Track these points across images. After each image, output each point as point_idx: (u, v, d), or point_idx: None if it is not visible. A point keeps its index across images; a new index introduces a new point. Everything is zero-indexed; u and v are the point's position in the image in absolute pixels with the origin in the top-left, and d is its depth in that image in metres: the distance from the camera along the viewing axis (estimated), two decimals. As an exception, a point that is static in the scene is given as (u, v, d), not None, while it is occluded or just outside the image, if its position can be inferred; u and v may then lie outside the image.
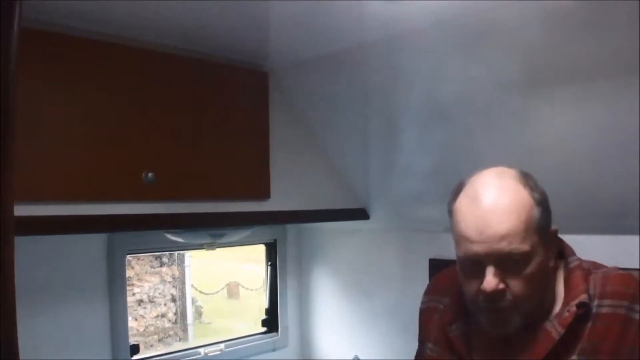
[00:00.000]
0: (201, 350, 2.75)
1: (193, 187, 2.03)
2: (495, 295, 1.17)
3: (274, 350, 3.05)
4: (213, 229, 2.31)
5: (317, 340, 3.17)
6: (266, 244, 3.07)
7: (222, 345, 2.81)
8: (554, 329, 1.20)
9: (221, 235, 2.35)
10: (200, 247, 2.63)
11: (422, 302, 1.53)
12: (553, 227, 1.26)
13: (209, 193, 2.08)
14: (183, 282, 9.32)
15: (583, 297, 1.19)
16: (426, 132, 2.21)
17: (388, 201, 2.63)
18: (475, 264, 1.20)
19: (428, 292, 1.54)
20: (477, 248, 1.18)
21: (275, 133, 2.27)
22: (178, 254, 8.70)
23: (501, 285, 1.17)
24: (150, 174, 1.87)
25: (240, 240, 2.67)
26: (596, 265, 1.30)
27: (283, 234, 3.06)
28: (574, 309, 1.18)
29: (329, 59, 2.17)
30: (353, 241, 2.93)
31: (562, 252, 1.31)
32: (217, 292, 9.26)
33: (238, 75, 2.19)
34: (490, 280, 1.16)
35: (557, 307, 1.24)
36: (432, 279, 1.66)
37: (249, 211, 2.20)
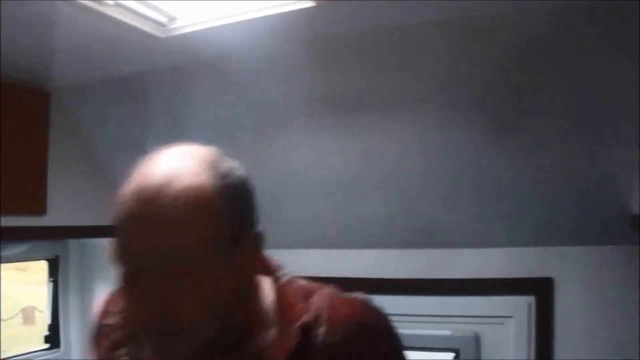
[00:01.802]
0: (-22, 367, 2.75)
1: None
2: (159, 317, 0.87)
3: (55, 366, 3.09)
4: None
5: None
6: (48, 260, 3.11)
7: (0, 362, 2.82)
8: (272, 358, 0.95)
9: (-5, 250, 2.41)
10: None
11: (91, 328, 1.17)
12: (255, 230, 0.98)
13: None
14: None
15: (306, 320, 0.95)
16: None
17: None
18: (134, 279, 0.89)
19: (97, 316, 1.17)
20: (135, 259, 0.87)
21: (55, 151, 2.39)
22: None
23: (168, 306, 0.86)
24: None
25: (19, 255, 2.71)
26: (314, 285, 1.06)
27: (65, 250, 3.13)
28: (295, 334, 0.94)
29: (114, 83, 2.30)
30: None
31: (268, 265, 1.05)
32: (12, 317, 8.69)
33: (18, 93, 2.26)
34: (150, 299, 0.86)
35: (270, 332, 0.97)
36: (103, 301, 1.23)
37: (24, 225, 2.28)
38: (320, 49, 1.92)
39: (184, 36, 1.85)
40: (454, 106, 1.95)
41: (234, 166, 0.95)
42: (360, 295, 1.06)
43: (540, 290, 2.24)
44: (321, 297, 1.00)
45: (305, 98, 2.09)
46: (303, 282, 1.05)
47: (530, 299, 2.26)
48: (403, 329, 2.36)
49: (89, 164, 2.62)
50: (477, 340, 2.35)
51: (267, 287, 1.02)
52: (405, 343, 2.42)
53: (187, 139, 2.31)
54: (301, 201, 2.39)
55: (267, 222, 2.33)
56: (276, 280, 1.03)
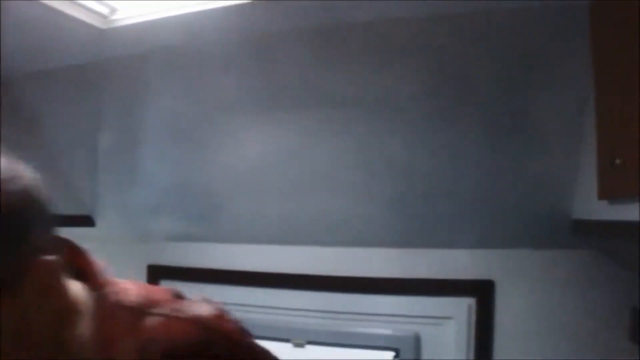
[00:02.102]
0: None
1: None
2: None
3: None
4: None
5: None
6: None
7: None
8: None
9: None
10: None
11: None
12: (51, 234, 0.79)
13: None
14: None
15: (130, 350, 0.78)
16: (165, 148, 2.43)
17: (117, 210, 2.79)
18: None
19: None
20: None
21: (2, 137, 2.34)
22: None
23: None
24: None
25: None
26: (149, 298, 0.86)
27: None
28: None
29: (65, 71, 2.28)
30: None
31: (85, 274, 0.84)
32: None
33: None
34: None
35: None
36: None
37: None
38: (262, 45, 1.93)
39: (126, 28, 1.86)
40: (396, 102, 1.97)
41: (20, 172, 0.76)
42: (206, 308, 0.87)
43: (481, 292, 2.26)
44: (154, 321, 0.81)
45: (249, 93, 2.09)
46: (135, 295, 0.84)
47: (471, 301, 2.27)
48: (343, 327, 2.42)
49: (38, 153, 2.56)
50: (417, 340, 2.36)
51: (86, 311, 0.80)
52: (346, 341, 2.45)
53: (138, 130, 2.32)
54: (248, 196, 2.40)
55: (216, 215, 2.34)
56: (100, 295, 0.82)
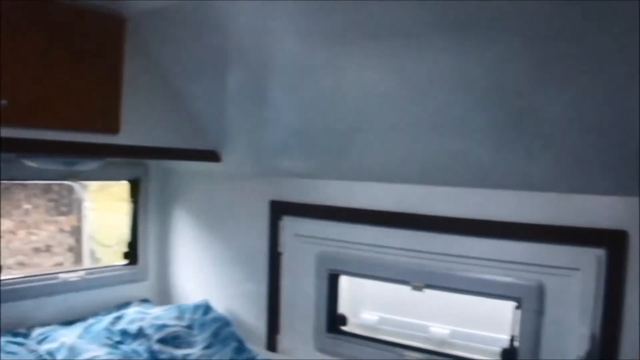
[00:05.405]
0: (60, 275, 2.94)
1: (44, 116, 2.20)
2: None
3: (133, 282, 3.27)
4: (63, 156, 2.49)
5: (174, 278, 3.41)
6: (130, 181, 3.27)
7: (81, 272, 3.01)
8: None
9: (73, 164, 2.53)
10: (62, 178, 2.82)
11: None
12: None
13: (60, 123, 2.26)
14: (81, 233, 9.31)
15: None
16: (290, 87, 2.42)
17: (241, 147, 2.86)
18: None
19: None
20: None
21: (130, 75, 2.45)
22: (76, 203, 8.70)
23: None
24: (3, 101, 2.04)
25: (100, 173, 2.84)
26: None
27: (145, 173, 3.28)
28: None
29: (190, 8, 2.30)
30: (207, 184, 3.19)
31: None
32: (116, 245, 9.29)
33: (95, 19, 2.33)
34: None
35: None
36: None
37: (98, 143, 2.39)
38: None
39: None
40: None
41: None
42: None
43: (613, 242, 2.08)
44: None
45: (373, 29, 2.01)
46: None
47: (601, 252, 2.11)
48: (463, 272, 2.34)
49: (164, 89, 2.67)
50: (541, 290, 2.23)
51: None
52: (465, 287, 2.37)
53: (263, 69, 2.33)
54: (370, 134, 2.35)
55: (338, 154, 2.31)
56: None
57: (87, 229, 9.31)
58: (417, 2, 1.81)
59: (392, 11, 1.88)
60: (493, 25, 1.75)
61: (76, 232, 9.16)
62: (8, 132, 2.09)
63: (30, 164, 2.49)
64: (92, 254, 9.49)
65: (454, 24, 1.82)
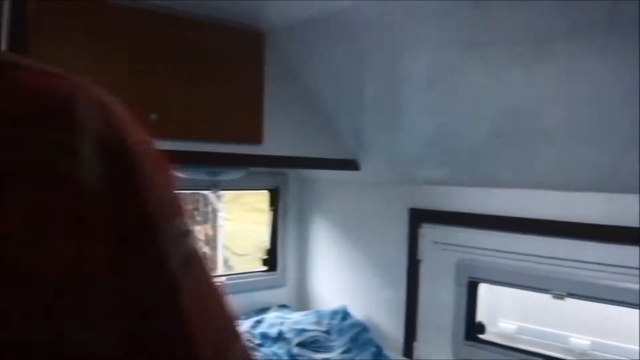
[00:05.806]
0: (205, 281, 3.09)
1: (191, 128, 2.35)
2: None
3: (272, 287, 3.38)
4: (209, 166, 2.63)
5: (312, 284, 3.49)
6: (270, 190, 3.40)
7: (223, 278, 3.15)
8: None
9: (216, 173, 2.66)
10: (205, 188, 2.97)
11: None
12: None
13: (206, 135, 2.40)
14: (216, 242, 9.68)
15: None
16: (426, 94, 2.43)
17: (380, 155, 2.88)
18: None
19: None
20: None
21: (270, 87, 2.56)
22: (212, 213, 9.07)
23: None
24: (154, 116, 2.19)
25: (240, 183, 2.96)
26: None
27: (285, 182, 3.39)
28: None
29: (326, 19, 2.38)
30: (345, 192, 3.23)
31: None
32: (250, 254, 9.59)
33: (235, 34, 2.47)
34: None
35: None
36: None
37: (242, 153, 2.51)
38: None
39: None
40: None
41: None
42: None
43: None
44: None
45: (507, 32, 1.98)
46: None
47: None
48: (608, 281, 2.22)
49: (304, 100, 2.76)
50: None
51: None
52: (609, 296, 2.25)
53: (400, 78, 2.34)
54: (508, 141, 2.30)
55: (476, 160, 2.28)
56: None
57: (222, 238, 9.70)
58: (561, 2, 1.77)
59: (530, 16, 1.86)
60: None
61: (211, 241, 9.58)
62: (161, 145, 2.22)
63: (179, 174, 2.65)
64: (226, 262, 9.88)
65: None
